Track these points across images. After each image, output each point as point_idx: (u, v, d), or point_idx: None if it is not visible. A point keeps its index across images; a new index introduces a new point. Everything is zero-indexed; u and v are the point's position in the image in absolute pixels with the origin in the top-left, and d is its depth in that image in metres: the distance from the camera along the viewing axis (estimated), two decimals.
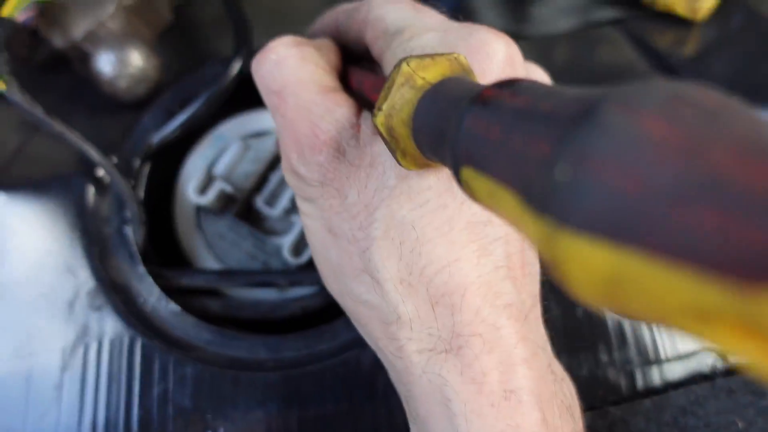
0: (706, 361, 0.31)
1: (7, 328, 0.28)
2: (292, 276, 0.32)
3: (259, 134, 0.36)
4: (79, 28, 0.33)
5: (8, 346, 0.28)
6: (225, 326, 0.30)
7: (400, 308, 0.19)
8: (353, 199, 0.20)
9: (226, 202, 0.34)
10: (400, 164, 0.17)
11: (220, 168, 0.34)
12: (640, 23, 0.42)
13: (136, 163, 0.33)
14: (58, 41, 0.34)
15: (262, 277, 0.32)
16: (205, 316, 0.30)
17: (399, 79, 0.16)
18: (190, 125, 0.33)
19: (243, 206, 0.35)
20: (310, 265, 0.33)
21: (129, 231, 0.31)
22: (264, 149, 0.35)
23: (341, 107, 0.21)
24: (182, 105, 0.34)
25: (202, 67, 0.36)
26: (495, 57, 0.19)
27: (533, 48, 0.40)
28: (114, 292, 0.29)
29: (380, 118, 0.16)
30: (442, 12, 0.23)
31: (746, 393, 0.31)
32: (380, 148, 0.20)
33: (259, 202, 0.34)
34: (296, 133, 0.21)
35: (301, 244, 0.33)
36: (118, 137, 0.34)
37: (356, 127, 0.21)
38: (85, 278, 0.30)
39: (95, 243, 0.31)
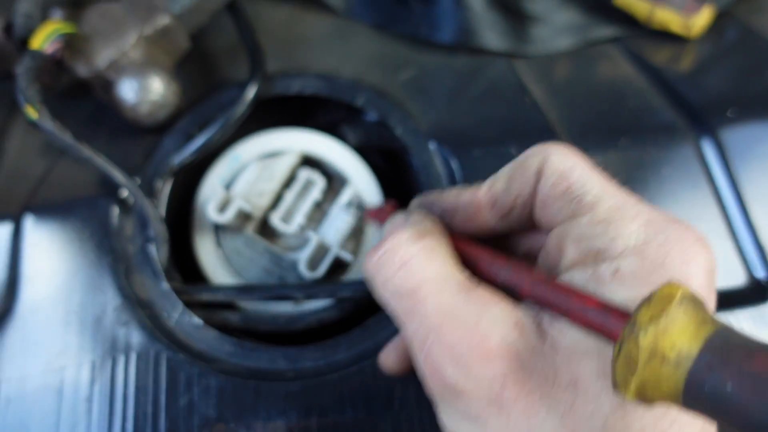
0: None
1: (39, 344, 0.30)
2: (307, 289, 0.33)
3: (273, 154, 0.37)
4: (103, 57, 0.35)
5: (40, 361, 0.29)
6: (244, 338, 0.31)
7: None
8: (552, 424, 0.17)
9: (243, 220, 0.36)
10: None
11: (238, 187, 0.36)
12: (637, 41, 0.44)
13: (158, 184, 0.34)
14: (82, 70, 0.35)
15: (279, 291, 0.33)
16: (225, 330, 0.32)
17: (642, 355, 0.14)
18: (209, 147, 0.35)
19: (259, 223, 0.36)
20: (326, 278, 0.35)
21: (152, 249, 0.33)
22: (278, 168, 0.37)
23: (496, 305, 0.19)
24: (201, 128, 0.36)
25: (219, 91, 0.38)
26: (704, 266, 0.19)
27: (534, 67, 0.42)
28: (140, 308, 0.31)
29: (631, 393, 0.15)
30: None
31: None
32: (583, 367, 0.18)
33: (275, 219, 0.35)
34: (448, 341, 0.18)
35: (316, 259, 0.34)
36: (140, 160, 0.35)
37: (521, 324, 0.19)
38: (112, 295, 0.31)
39: (121, 261, 0.32)
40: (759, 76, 0.41)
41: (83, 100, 0.40)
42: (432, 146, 0.36)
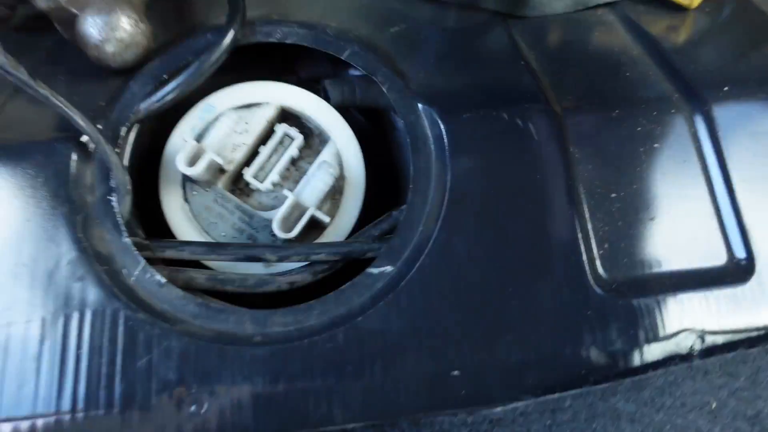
0: (685, 343, 0.31)
1: None
2: (280, 251, 0.31)
3: (249, 105, 0.35)
4: None
5: None
6: (210, 299, 0.30)
7: None
8: None
9: (214, 174, 0.33)
10: None
11: (210, 139, 0.33)
12: (635, 7, 0.42)
13: (123, 131, 0.32)
14: (41, 2, 0.32)
15: (250, 251, 0.31)
16: (190, 290, 0.30)
17: None
18: (181, 94, 0.32)
19: (231, 179, 0.34)
20: (299, 239, 0.33)
21: (113, 200, 0.30)
22: (255, 121, 0.34)
23: None
24: (172, 73, 0.33)
25: (193, 35, 0.35)
26: None
27: (529, 29, 0.40)
28: (97, 263, 0.29)
29: None
30: None
31: (721, 375, 0.32)
32: None
33: (248, 175, 0.33)
34: None
35: (291, 219, 0.32)
36: (103, 103, 0.33)
37: None
38: (66, 248, 0.29)
39: (78, 212, 0.30)
40: (756, 51, 0.40)
41: (42, 36, 0.36)
42: (420, 107, 0.34)
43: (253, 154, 0.34)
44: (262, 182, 0.33)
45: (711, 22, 0.42)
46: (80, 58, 0.34)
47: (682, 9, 0.42)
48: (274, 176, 0.33)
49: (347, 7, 0.39)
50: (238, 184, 0.35)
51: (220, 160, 0.32)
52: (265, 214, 0.34)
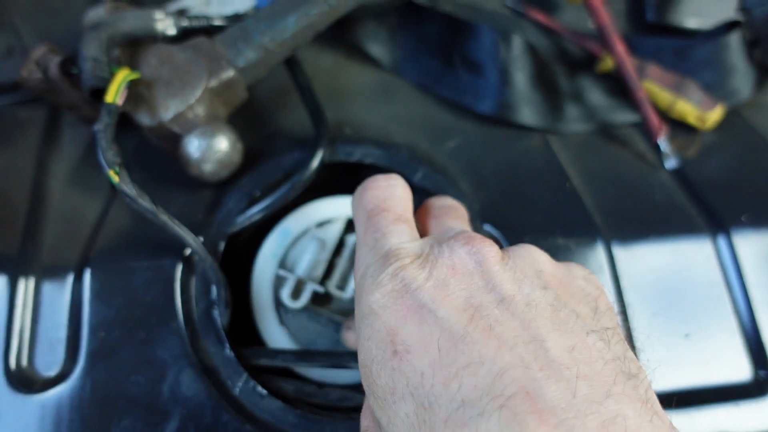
0: None
1: (102, 409, 0.30)
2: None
3: (321, 223, 0.38)
4: (168, 109, 0.35)
5: (103, 428, 0.29)
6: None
7: None
8: None
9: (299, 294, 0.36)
10: None
11: (302, 268, 0.36)
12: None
13: (221, 246, 0.34)
14: (145, 120, 0.35)
15: (337, 360, 0.33)
16: (284, 396, 0.32)
17: None
18: (271, 211, 0.35)
19: (316, 294, 0.37)
20: None
21: (216, 313, 0.33)
22: (329, 237, 0.37)
23: None
24: (265, 190, 0.36)
25: (281, 152, 0.38)
26: None
27: (565, 143, 0.45)
28: (206, 376, 0.31)
29: None
30: None
31: None
32: None
33: (332, 287, 0.36)
34: None
35: None
36: (201, 217, 0.35)
37: None
38: (177, 362, 0.31)
39: (186, 325, 0.32)
40: (751, 170, 0.45)
41: (126, 135, 0.39)
42: (485, 228, 0.38)
43: (332, 267, 0.37)
44: (344, 292, 0.36)
45: (717, 141, 0.47)
46: (166, 164, 0.37)
47: (694, 131, 0.47)
48: (354, 284, 0.36)
49: (406, 118, 0.43)
50: (323, 298, 0.37)
51: (321, 289, 0.35)
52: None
